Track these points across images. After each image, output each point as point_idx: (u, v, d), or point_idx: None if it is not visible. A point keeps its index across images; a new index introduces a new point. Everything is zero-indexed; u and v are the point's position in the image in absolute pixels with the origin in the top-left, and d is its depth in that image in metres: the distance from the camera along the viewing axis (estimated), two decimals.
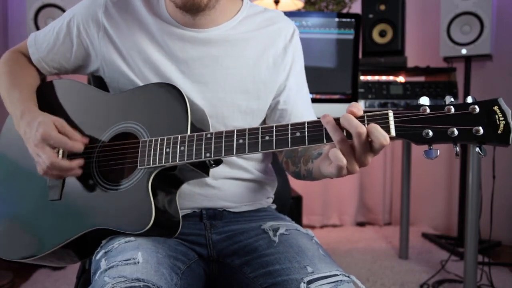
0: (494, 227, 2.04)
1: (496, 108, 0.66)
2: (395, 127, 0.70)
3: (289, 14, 1.92)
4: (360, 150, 0.70)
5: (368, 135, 0.69)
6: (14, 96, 0.99)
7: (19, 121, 0.95)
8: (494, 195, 2.01)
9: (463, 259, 1.85)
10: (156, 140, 0.85)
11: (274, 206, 1.13)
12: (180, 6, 0.92)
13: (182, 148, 0.83)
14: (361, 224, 3.29)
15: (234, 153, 0.79)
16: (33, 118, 0.92)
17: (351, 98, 1.90)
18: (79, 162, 0.90)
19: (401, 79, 2.23)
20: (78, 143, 0.91)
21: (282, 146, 0.76)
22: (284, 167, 1.08)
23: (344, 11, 2.45)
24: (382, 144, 0.68)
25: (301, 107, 1.07)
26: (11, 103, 0.99)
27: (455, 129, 0.67)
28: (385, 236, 2.96)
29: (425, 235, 2.94)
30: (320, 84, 1.85)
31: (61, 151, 0.92)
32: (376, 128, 0.68)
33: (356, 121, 0.69)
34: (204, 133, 0.82)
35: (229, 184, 1.00)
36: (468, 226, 1.74)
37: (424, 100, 0.70)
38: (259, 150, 0.78)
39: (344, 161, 0.71)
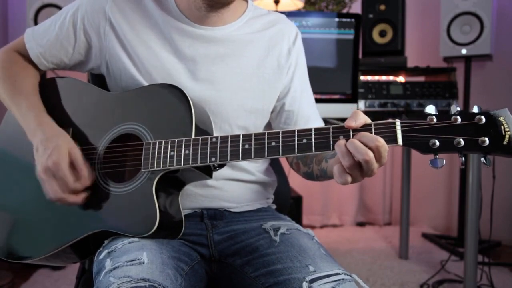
0: (494, 227, 2.04)
1: (502, 119, 0.67)
2: (402, 136, 0.70)
3: (289, 14, 1.93)
4: (367, 169, 0.71)
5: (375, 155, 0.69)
6: (20, 104, 0.95)
7: (36, 129, 0.91)
8: (494, 195, 2.01)
9: (463, 259, 1.85)
10: (160, 143, 0.84)
11: (274, 206, 1.13)
12: (208, 1, 0.92)
13: (187, 151, 0.82)
14: (361, 224, 3.29)
15: (240, 158, 0.79)
16: (50, 137, 0.88)
17: (351, 98, 1.90)
18: (84, 195, 0.87)
19: (401, 79, 2.23)
20: (79, 185, 0.86)
21: (288, 153, 0.76)
22: (294, 168, 1.07)
23: (344, 11, 2.45)
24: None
25: (307, 108, 1.08)
26: (20, 113, 0.95)
27: (461, 139, 0.67)
28: (385, 236, 2.96)
29: (425, 235, 2.94)
30: (320, 84, 1.85)
31: None
32: (383, 147, 0.69)
33: (363, 148, 0.69)
34: (209, 137, 0.82)
35: (230, 185, 1.00)
36: (468, 226, 1.74)
37: (431, 109, 0.70)
38: (265, 156, 0.77)
39: (349, 180, 0.72)
